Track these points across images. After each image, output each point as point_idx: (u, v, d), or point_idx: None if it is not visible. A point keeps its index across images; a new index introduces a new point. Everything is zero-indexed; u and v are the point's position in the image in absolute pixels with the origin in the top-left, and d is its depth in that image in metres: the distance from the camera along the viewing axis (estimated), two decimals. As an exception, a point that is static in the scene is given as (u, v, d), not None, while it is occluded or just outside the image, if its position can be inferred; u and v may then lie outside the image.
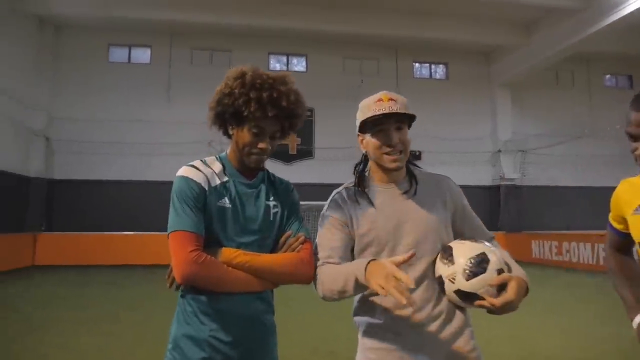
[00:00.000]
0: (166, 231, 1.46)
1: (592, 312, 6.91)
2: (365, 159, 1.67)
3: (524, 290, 1.36)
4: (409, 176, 1.61)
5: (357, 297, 1.61)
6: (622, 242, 1.58)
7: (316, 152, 16.65)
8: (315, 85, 16.74)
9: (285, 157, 16.39)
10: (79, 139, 14.87)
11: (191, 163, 1.55)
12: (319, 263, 1.54)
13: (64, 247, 13.47)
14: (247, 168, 1.58)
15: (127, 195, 15.19)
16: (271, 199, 1.61)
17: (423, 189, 1.59)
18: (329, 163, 16.30)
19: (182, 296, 1.53)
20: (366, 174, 1.66)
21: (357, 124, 1.60)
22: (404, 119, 1.54)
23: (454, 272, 1.39)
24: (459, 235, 1.58)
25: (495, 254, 1.39)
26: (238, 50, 16.43)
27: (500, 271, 1.35)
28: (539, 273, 11.86)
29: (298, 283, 1.53)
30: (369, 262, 1.33)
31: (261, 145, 1.52)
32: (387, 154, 1.52)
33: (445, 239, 1.53)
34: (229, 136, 1.60)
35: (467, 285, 1.36)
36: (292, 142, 16.59)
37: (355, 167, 1.68)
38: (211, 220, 1.49)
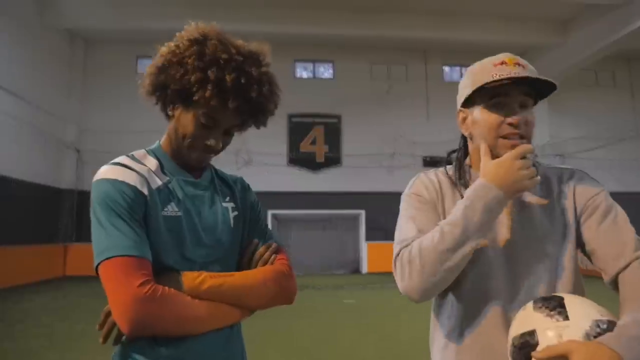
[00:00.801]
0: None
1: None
2: (465, 144, 1.26)
3: None
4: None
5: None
6: None
7: (344, 160, 16.34)
8: (342, 92, 16.51)
9: (312, 165, 16.15)
10: (109, 150, 14.94)
11: (115, 160, 1.11)
12: (401, 245, 1.11)
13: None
14: (188, 164, 1.19)
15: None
16: (227, 199, 1.25)
17: (547, 190, 1.16)
18: (357, 171, 15.96)
19: (121, 355, 1.08)
20: (466, 167, 1.23)
21: (463, 93, 1.17)
22: (532, 94, 1.12)
23: (508, 354, 0.98)
24: (591, 257, 1.11)
25: (556, 331, 0.89)
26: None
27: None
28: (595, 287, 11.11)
29: (281, 304, 1.19)
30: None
31: (210, 141, 1.14)
32: (504, 137, 1.09)
33: (568, 265, 1.10)
34: (168, 116, 1.19)
35: None
36: (320, 149, 16.34)
37: (448, 155, 1.29)
38: (157, 236, 1.07)
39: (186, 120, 1.13)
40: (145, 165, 1.13)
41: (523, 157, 1.03)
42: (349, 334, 6.23)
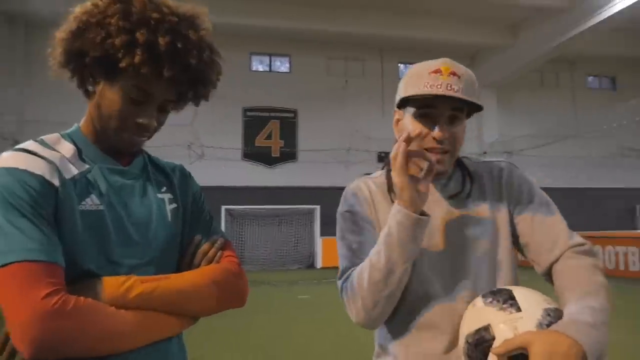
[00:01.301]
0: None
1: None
2: None
3: (567, 358, 0.79)
4: (460, 171, 1.17)
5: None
6: None
7: (300, 155, 16.28)
8: (298, 87, 16.43)
9: (268, 160, 16.01)
10: (52, 142, 14.28)
11: (19, 146, 0.91)
12: (342, 280, 1.09)
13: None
14: (116, 148, 1.00)
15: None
16: (163, 190, 1.06)
17: (479, 188, 1.15)
18: (313, 166, 15.96)
19: None
20: None
21: (398, 95, 1.13)
22: (464, 107, 1.08)
23: (459, 353, 0.98)
24: (524, 250, 1.13)
25: (510, 323, 0.88)
26: (218, 49, 15.95)
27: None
28: (525, 277, 11.64)
29: (231, 307, 1.03)
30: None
31: (142, 119, 0.95)
32: (428, 149, 1.05)
33: (505, 259, 1.11)
34: (87, 94, 0.99)
35: None
36: (275, 144, 16.21)
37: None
38: (73, 235, 0.88)
39: (111, 95, 0.94)
40: (58, 152, 0.93)
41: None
42: (304, 330, 6.21)
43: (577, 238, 1.08)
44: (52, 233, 0.85)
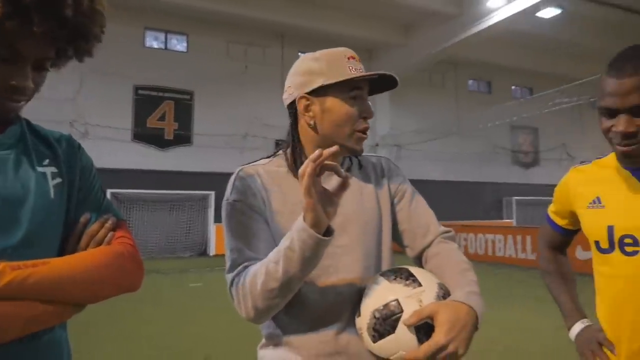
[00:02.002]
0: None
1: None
2: (296, 136, 1.19)
3: (466, 322, 0.92)
4: (350, 161, 1.24)
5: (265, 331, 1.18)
6: (562, 239, 1.42)
7: (195, 139, 15.72)
8: (196, 68, 15.79)
9: (160, 142, 15.21)
10: None
11: None
12: (232, 274, 1.05)
13: None
14: None
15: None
16: (45, 162, 0.93)
17: (365, 177, 1.22)
18: (208, 150, 15.52)
19: None
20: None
21: (314, 80, 1.14)
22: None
23: (360, 327, 1.03)
24: (400, 236, 1.22)
25: (415, 297, 0.98)
26: (109, 21, 14.36)
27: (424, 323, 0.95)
28: (410, 263, 12.56)
29: (122, 292, 0.94)
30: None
31: (16, 81, 0.83)
32: (361, 130, 1.13)
33: (386, 242, 1.19)
34: None
35: (376, 349, 0.99)
36: (169, 126, 15.46)
37: (277, 144, 1.24)
38: None
39: None
40: None
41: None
42: (196, 318, 6.07)
43: (442, 226, 1.22)
44: None
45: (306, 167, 0.89)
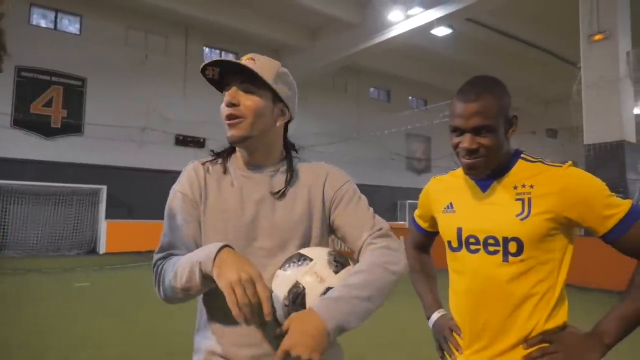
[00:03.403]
0: None
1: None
2: None
3: (310, 330, 0.97)
4: (287, 164, 1.28)
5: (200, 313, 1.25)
6: (425, 240, 1.60)
7: (86, 129, 14.63)
8: (90, 52, 14.73)
9: (46, 130, 13.94)
10: None
11: None
12: (158, 256, 1.17)
13: None
14: None
15: None
16: None
17: (296, 182, 1.27)
18: (101, 142, 14.54)
19: None
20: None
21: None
22: (255, 81, 1.18)
23: (282, 322, 1.07)
24: (342, 239, 1.27)
25: (310, 271, 1.07)
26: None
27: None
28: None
29: None
30: (222, 248, 1.03)
31: None
32: (225, 118, 1.19)
33: (315, 244, 1.24)
34: None
35: (337, 279, 1.10)
36: (57, 113, 14.21)
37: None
38: None
39: None
40: None
41: None
42: (82, 320, 5.70)
43: (379, 223, 1.23)
44: None
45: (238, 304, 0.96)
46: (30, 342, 4.68)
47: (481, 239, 1.28)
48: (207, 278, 1.03)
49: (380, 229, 1.21)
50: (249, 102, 1.18)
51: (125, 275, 9.70)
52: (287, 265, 1.12)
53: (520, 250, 1.22)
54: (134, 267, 10.92)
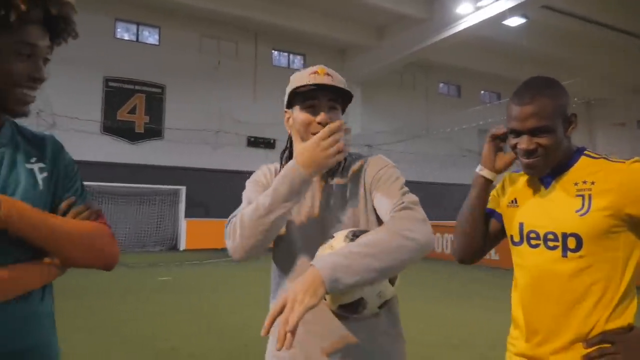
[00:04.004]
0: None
1: (424, 296, 7.64)
2: (291, 143, 1.43)
3: (305, 280, 1.05)
4: (341, 164, 1.40)
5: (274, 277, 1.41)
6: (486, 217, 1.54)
7: (166, 133, 15.60)
8: (168, 61, 15.67)
9: (130, 135, 15.05)
10: None
11: None
12: (230, 216, 1.30)
13: None
14: (12, 107, 1.06)
15: None
16: (33, 160, 1.09)
17: (348, 175, 1.39)
18: (179, 145, 15.43)
19: None
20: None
21: (286, 97, 1.38)
22: (338, 99, 1.35)
23: (330, 243, 1.27)
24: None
25: (328, 245, 1.21)
26: (79, 11, 14.34)
27: None
28: None
29: (99, 265, 1.09)
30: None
31: (37, 73, 1.04)
32: (314, 133, 1.29)
33: (364, 227, 1.34)
34: None
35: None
36: (140, 119, 15.29)
37: (282, 153, 1.46)
38: None
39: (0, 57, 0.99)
40: None
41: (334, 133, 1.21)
42: (164, 311, 6.13)
43: (404, 197, 1.26)
44: None
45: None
46: (119, 327, 5.13)
47: (541, 234, 1.29)
48: (292, 189, 1.20)
49: (402, 203, 1.24)
50: (334, 119, 1.32)
51: (203, 271, 10.26)
52: (324, 243, 1.25)
53: (579, 246, 1.22)
54: (211, 263, 11.51)
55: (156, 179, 14.86)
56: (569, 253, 1.24)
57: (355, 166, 1.40)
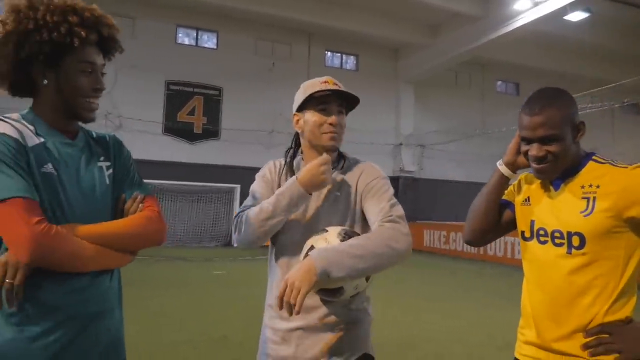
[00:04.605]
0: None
1: (472, 298, 7.55)
2: (297, 142, 1.68)
3: (301, 267, 1.28)
4: (338, 162, 1.62)
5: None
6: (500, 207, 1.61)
7: (222, 133, 16.22)
8: (224, 64, 16.27)
9: (189, 135, 15.78)
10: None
11: None
12: (239, 210, 1.56)
13: None
14: (65, 126, 1.30)
15: None
16: (102, 159, 1.36)
17: (344, 178, 1.59)
18: (235, 145, 15.98)
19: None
20: (299, 157, 1.67)
21: (298, 101, 1.60)
22: (344, 104, 1.58)
23: (324, 236, 1.44)
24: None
25: (322, 237, 1.40)
26: (143, 18, 15.37)
27: None
28: (428, 260, 12.74)
29: (151, 244, 1.34)
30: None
31: (99, 84, 1.29)
32: (326, 132, 1.54)
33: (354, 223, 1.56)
34: (35, 91, 1.28)
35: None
36: (198, 120, 16.00)
37: (286, 152, 1.68)
38: (35, 189, 1.15)
39: (67, 76, 1.25)
40: (23, 125, 1.21)
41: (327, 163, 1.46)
42: (217, 302, 6.48)
43: (394, 212, 1.46)
44: (30, 180, 1.14)
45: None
46: (175, 316, 5.49)
47: (549, 231, 1.39)
48: (298, 193, 1.45)
49: (391, 215, 1.44)
50: (342, 121, 1.59)
51: (254, 266, 10.63)
52: (313, 235, 1.45)
53: (582, 244, 1.31)
54: (262, 259, 11.86)
55: (213, 178, 15.50)
56: (573, 250, 1.33)
57: (349, 173, 1.59)
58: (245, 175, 15.68)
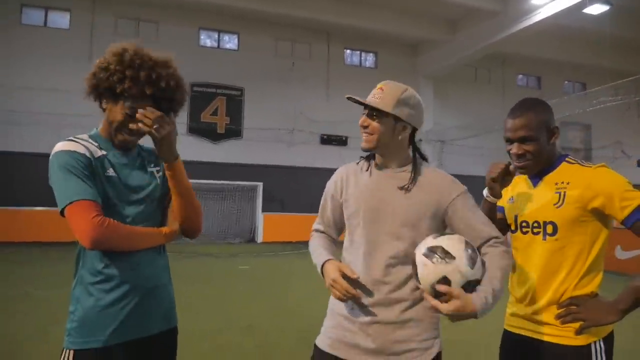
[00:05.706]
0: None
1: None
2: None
3: (465, 308, 1.34)
4: (413, 166, 1.62)
5: None
6: (496, 213, 1.84)
7: (245, 133, 16.60)
8: (245, 65, 16.62)
9: (213, 135, 16.21)
10: (-15, 105, 13.69)
11: (68, 138, 1.54)
12: (313, 228, 1.81)
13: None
14: (117, 144, 1.61)
15: (31, 168, 14.21)
16: (152, 166, 1.69)
17: (419, 181, 1.59)
18: (257, 144, 16.34)
19: (81, 269, 1.52)
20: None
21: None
22: (379, 109, 1.58)
23: (457, 267, 1.37)
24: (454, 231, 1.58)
25: (455, 270, 1.37)
26: (166, 22, 15.86)
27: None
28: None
29: (195, 229, 1.68)
30: (326, 261, 1.60)
31: (131, 125, 1.54)
32: (362, 130, 1.64)
33: (419, 239, 1.50)
34: (103, 109, 1.61)
35: (472, 273, 1.38)
36: (221, 120, 16.41)
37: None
38: (101, 191, 1.50)
39: (114, 110, 1.54)
40: (90, 142, 1.55)
41: None
42: (242, 295, 6.81)
43: (495, 232, 1.54)
44: (94, 185, 1.48)
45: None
46: (202, 309, 5.83)
47: (530, 222, 1.66)
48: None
49: (499, 238, 1.53)
50: (374, 124, 1.60)
51: (277, 261, 10.96)
52: (434, 257, 1.39)
53: (555, 231, 1.58)
54: (285, 254, 12.21)
55: (236, 176, 15.91)
56: (547, 237, 1.60)
57: (425, 175, 1.60)
58: (267, 172, 16.21)
